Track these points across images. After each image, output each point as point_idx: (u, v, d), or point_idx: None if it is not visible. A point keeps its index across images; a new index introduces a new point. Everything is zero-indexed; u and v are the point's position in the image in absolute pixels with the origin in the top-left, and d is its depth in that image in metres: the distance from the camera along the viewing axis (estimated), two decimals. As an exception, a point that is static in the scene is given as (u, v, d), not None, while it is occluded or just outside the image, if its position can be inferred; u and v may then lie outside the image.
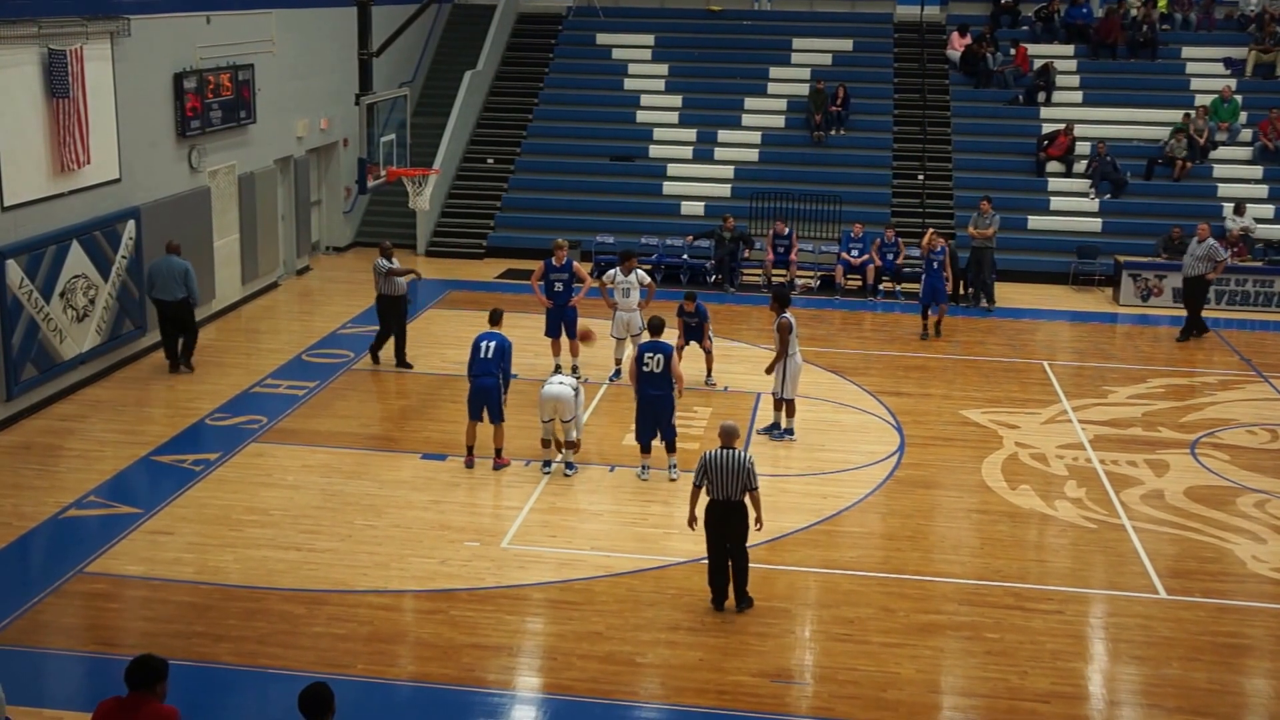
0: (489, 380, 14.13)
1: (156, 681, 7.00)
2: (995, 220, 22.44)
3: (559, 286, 17.47)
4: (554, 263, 17.52)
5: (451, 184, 26.73)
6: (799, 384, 15.67)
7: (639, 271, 17.59)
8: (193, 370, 17.59)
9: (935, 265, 20.33)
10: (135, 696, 7.00)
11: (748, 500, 11.13)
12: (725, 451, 11.06)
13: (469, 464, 14.40)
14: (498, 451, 14.43)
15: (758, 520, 11.23)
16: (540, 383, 14.56)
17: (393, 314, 17.97)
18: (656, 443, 14.19)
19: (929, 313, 20.42)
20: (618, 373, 17.67)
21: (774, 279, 23.17)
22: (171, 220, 18.52)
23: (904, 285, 23.11)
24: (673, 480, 14.17)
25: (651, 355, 14.06)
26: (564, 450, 14.34)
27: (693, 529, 11.39)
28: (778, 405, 15.60)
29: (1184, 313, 21.02)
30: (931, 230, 21.08)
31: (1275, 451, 15.71)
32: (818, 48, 29.01)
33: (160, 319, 17.59)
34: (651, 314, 15.29)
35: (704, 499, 11.22)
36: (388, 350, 18.15)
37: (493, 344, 14.25)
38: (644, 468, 14.27)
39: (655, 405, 14.03)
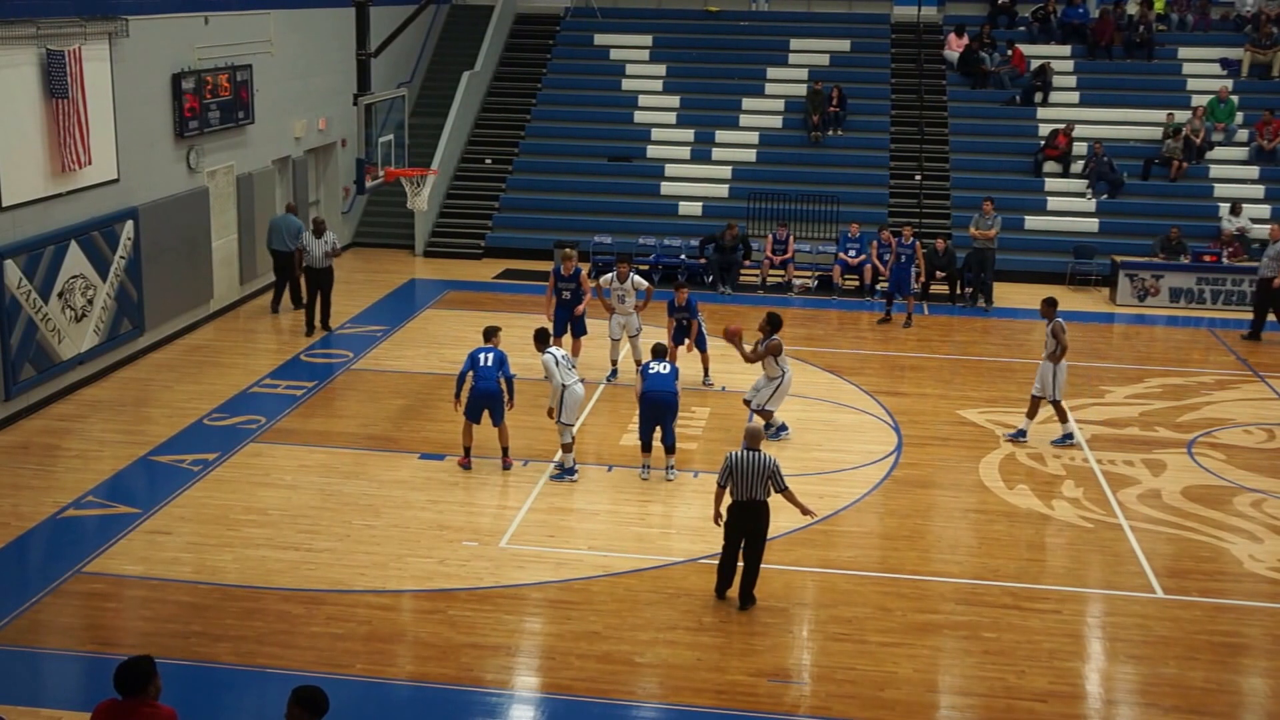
0: (491, 385, 14.17)
1: (148, 683, 6.99)
2: (997, 221, 22.52)
3: (566, 295, 17.47)
4: (562, 272, 17.50)
5: (449, 184, 26.74)
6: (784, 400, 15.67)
7: (635, 276, 17.59)
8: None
9: (903, 258, 21.10)
10: (131, 699, 6.99)
11: (782, 499, 11.30)
12: (750, 453, 11.14)
13: (465, 465, 14.40)
14: (505, 451, 14.44)
15: (805, 511, 11.57)
16: (537, 381, 14.52)
17: (320, 282, 19.66)
18: (656, 442, 14.21)
19: (892, 302, 21.35)
20: (615, 372, 17.70)
21: (770, 279, 23.25)
22: (170, 221, 18.55)
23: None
24: (669, 481, 14.21)
25: (657, 363, 14.32)
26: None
27: (718, 525, 11.42)
28: (765, 415, 15.53)
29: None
30: (908, 227, 21.80)
31: (1272, 451, 15.74)
32: (815, 48, 29.04)
33: (275, 267, 20.79)
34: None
35: (726, 498, 11.33)
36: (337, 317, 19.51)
37: (490, 355, 14.32)
38: (645, 467, 14.30)
39: (659, 405, 14.02)
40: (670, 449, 14.24)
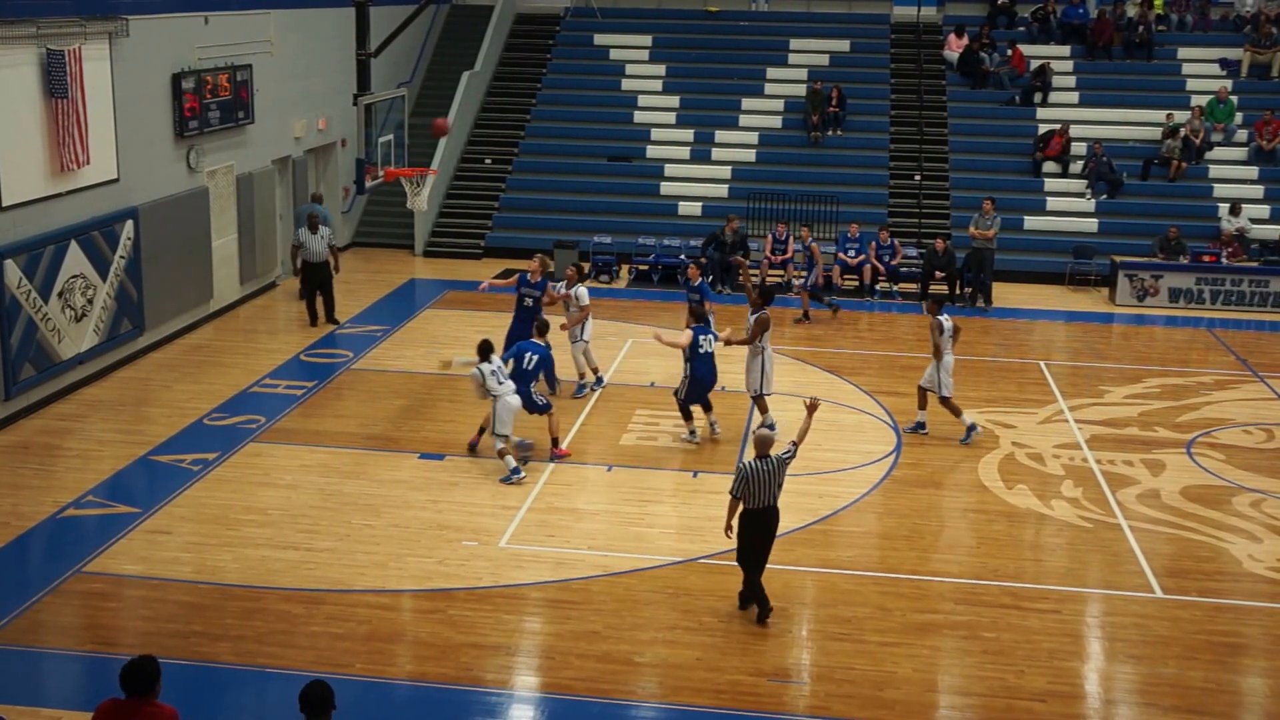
0: (524, 389, 14.33)
1: (154, 683, 7.04)
2: (996, 221, 22.54)
3: (529, 302, 16.93)
4: (529, 277, 16.95)
5: (449, 184, 26.76)
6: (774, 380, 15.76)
7: (579, 288, 16.95)
8: (339, 272, 20.76)
9: (807, 258, 22.12)
10: (134, 699, 7.02)
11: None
12: (762, 461, 11.06)
13: (475, 444, 14.67)
14: (555, 441, 14.69)
15: (813, 406, 11.84)
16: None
17: (318, 277, 20.09)
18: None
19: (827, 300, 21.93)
20: (600, 380, 17.49)
21: (769, 280, 23.25)
22: (170, 221, 18.56)
23: (901, 285, 23.18)
24: (715, 437, 15.41)
25: (705, 337, 15.26)
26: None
27: (729, 537, 11.27)
28: (761, 405, 15.59)
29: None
30: (806, 228, 22.54)
31: (1271, 451, 15.76)
32: (815, 48, 29.07)
33: None
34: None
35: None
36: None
37: (536, 356, 14.51)
38: (691, 432, 15.40)
39: (710, 384, 15.37)
40: (708, 409, 15.48)
